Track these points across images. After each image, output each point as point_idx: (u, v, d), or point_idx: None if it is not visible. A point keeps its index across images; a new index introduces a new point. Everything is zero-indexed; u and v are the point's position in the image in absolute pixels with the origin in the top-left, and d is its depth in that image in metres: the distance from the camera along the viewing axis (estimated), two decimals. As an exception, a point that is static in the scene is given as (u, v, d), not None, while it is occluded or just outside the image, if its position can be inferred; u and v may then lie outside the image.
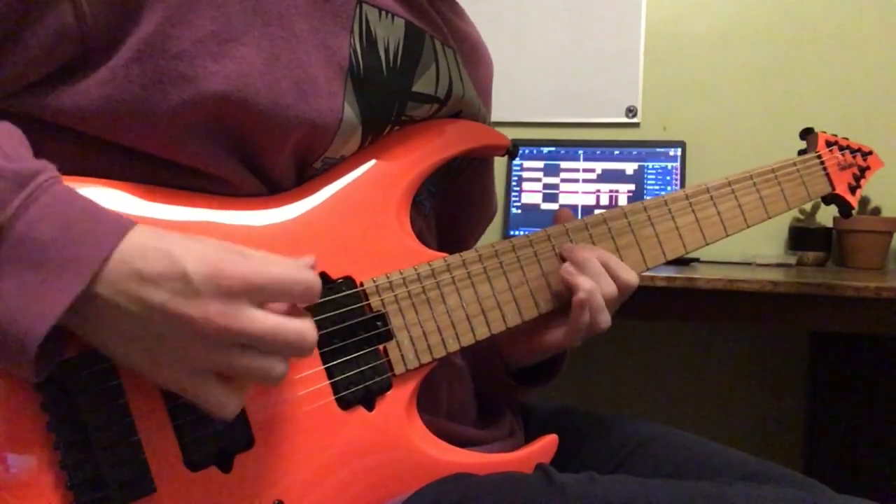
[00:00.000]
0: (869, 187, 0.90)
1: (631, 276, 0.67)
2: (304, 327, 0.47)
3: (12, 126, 0.48)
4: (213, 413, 0.46)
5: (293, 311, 0.48)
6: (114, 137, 0.52)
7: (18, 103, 0.52)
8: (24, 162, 0.45)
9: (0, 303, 0.41)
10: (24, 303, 0.41)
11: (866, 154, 0.89)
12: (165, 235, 0.46)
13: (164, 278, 0.44)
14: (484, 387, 0.75)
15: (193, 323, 0.44)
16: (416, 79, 0.63)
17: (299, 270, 0.47)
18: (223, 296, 0.44)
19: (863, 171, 0.88)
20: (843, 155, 0.86)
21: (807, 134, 0.88)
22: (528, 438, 0.74)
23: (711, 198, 0.74)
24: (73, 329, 0.45)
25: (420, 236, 0.64)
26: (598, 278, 0.65)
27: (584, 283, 0.64)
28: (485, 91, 0.78)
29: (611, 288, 0.66)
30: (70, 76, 0.51)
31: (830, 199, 0.87)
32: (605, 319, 0.66)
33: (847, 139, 0.88)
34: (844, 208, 0.88)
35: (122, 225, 0.45)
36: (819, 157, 0.84)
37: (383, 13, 0.61)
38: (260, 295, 0.46)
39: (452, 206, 0.73)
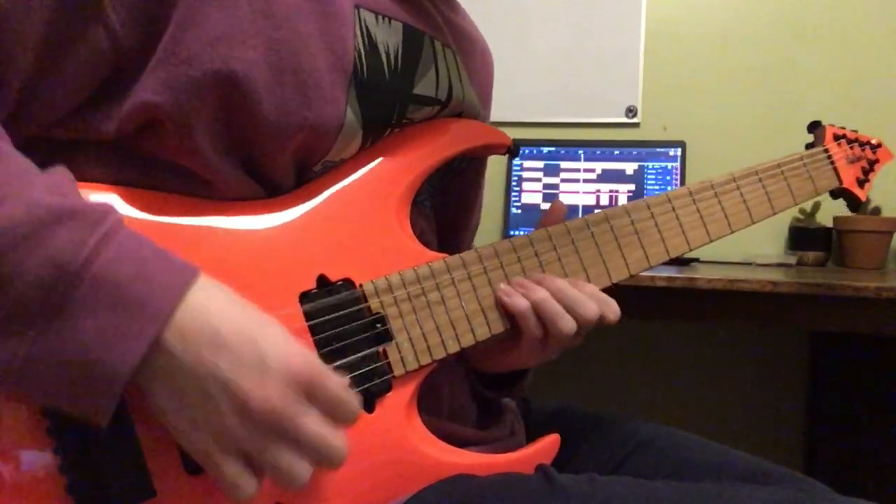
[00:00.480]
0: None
1: (590, 311, 0.62)
2: (342, 443, 0.47)
3: (64, 168, 0.48)
4: (226, 491, 0.45)
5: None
6: (121, 143, 0.53)
7: (64, 128, 0.52)
8: (88, 202, 0.45)
9: (82, 344, 0.41)
10: (107, 341, 0.41)
11: (875, 147, 0.87)
12: (236, 297, 0.47)
13: (239, 348, 0.44)
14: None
15: (251, 400, 0.44)
16: (416, 81, 0.63)
17: (350, 392, 0.48)
18: (289, 383, 0.45)
19: (872, 164, 0.86)
20: (851, 148, 0.84)
21: (814, 127, 0.87)
22: (529, 439, 0.74)
23: (716, 194, 0.73)
24: (139, 379, 0.44)
25: (421, 237, 0.64)
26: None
27: (528, 298, 0.62)
28: (484, 90, 0.78)
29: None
30: (106, 96, 0.52)
31: (838, 193, 0.85)
32: (567, 325, 0.62)
33: (856, 132, 0.86)
34: (853, 202, 0.85)
35: (192, 269, 0.45)
36: (826, 150, 0.83)
37: (380, 17, 0.61)
38: (316, 393, 0.46)
39: (449, 207, 0.73)
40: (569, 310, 0.62)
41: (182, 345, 0.43)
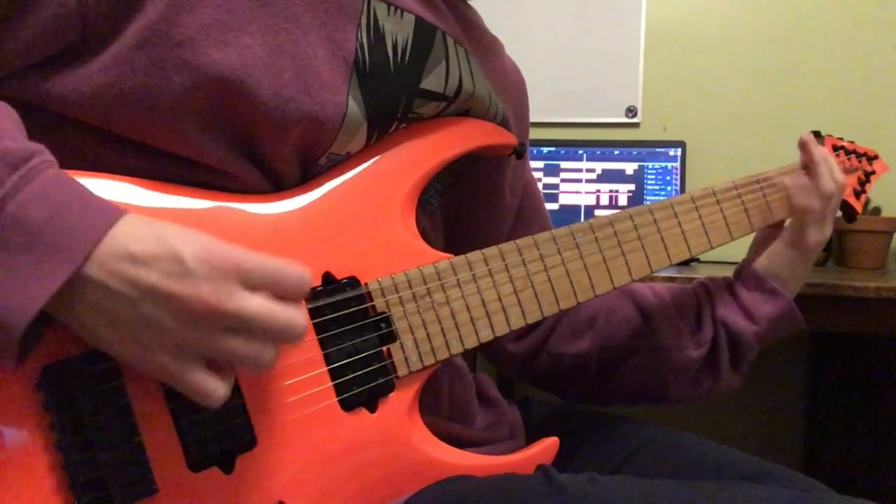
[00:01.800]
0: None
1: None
2: (295, 313, 0.47)
3: (8, 107, 0.48)
4: (200, 401, 0.46)
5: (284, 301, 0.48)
6: (115, 127, 0.52)
7: (18, 88, 0.51)
8: (18, 143, 0.45)
9: None
10: (12, 285, 0.41)
11: (872, 158, 0.88)
12: (157, 221, 0.46)
13: (157, 259, 0.44)
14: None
15: (184, 303, 0.44)
16: (424, 75, 0.62)
17: (292, 263, 0.48)
18: (215, 277, 0.44)
19: (868, 175, 0.88)
20: (849, 159, 0.86)
21: (815, 138, 0.88)
22: (529, 439, 0.74)
23: (717, 201, 0.74)
24: (59, 315, 0.45)
25: (424, 236, 0.64)
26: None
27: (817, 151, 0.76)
28: (508, 87, 0.77)
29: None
30: (71, 62, 0.51)
31: None
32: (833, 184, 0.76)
33: (853, 143, 0.88)
34: (849, 213, 0.87)
35: (114, 210, 0.45)
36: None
37: (392, 8, 0.60)
38: (252, 279, 0.46)
39: (458, 207, 0.73)
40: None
41: (104, 274, 0.43)
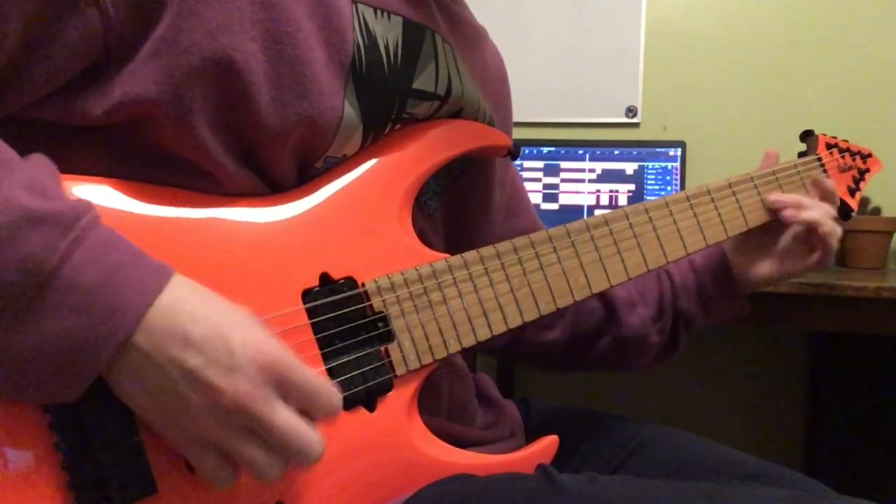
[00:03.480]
0: (869, 187, 0.90)
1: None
2: (315, 440, 0.47)
3: (45, 159, 0.48)
4: (206, 482, 0.47)
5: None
6: (121, 136, 0.53)
7: (42, 109, 0.52)
8: (65, 202, 0.45)
9: (47, 350, 0.42)
10: (71, 347, 0.42)
11: (866, 156, 0.89)
12: (212, 297, 0.47)
13: (207, 343, 0.45)
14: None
15: (220, 396, 0.44)
16: (416, 76, 0.63)
17: (329, 384, 0.49)
18: (258, 379, 0.45)
19: (862, 173, 0.88)
20: (843, 157, 0.86)
21: (807, 136, 0.88)
22: (529, 439, 0.74)
23: (712, 199, 0.74)
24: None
25: (421, 236, 0.64)
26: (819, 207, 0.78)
27: (813, 213, 0.77)
28: (489, 80, 0.77)
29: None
30: (93, 80, 0.51)
31: None
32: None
33: (847, 141, 0.88)
34: (844, 211, 0.88)
35: (165, 271, 0.46)
36: (819, 159, 0.84)
37: (379, 12, 0.61)
38: (289, 390, 0.47)
39: (456, 207, 0.73)
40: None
41: (151, 346, 0.44)
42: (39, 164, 0.47)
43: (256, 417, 0.45)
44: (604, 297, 0.84)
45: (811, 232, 0.78)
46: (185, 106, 0.51)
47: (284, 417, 0.46)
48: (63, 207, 0.44)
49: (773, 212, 0.78)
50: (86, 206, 0.45)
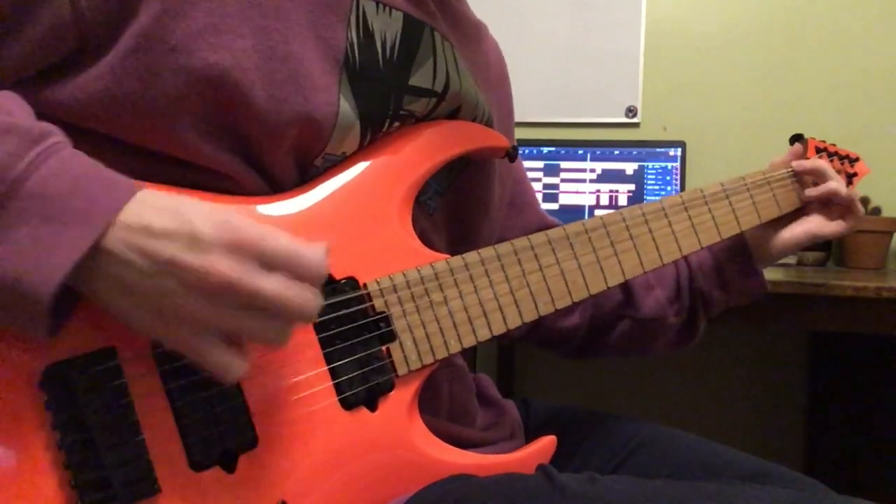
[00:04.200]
0: (869, 187, 0.91)
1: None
2: (308, 295, 0.47)
3: (15, 95, 0.49)
4: (216, 376, 0.47)
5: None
6: (113, 132, 0.53)
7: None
8: (34, 122, 0.46)
9: (13, 256, 0.42)
10: (37, 255, 0.42)
11: (854, 160, 0.91)
12: (176, 195, 0.47)
13: (175, 233, 0.44)
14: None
15: (201, 278, 0.44)
16: (413, 72, 0.63)
17: (310, 245, 0.47)
18: (233, 253, 0.45)
19: (850, 177, 0.91)
20: (831, 161, 0.88)
21: (797, 140, 0.89)
22: (529, 439, 0.74)
23: (706, 202, 0.76)
24: (81, 287, 0.45)
25: (422, 237, 0.64)
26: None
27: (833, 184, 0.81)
28: (489, 77, 0.77)
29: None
30: (68, 71, 0.51)
31: None
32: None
33: (835, 145, 0.90)
34: None
35: (131, 184, 0.46)
36: None
37: (381, 6, 0.61)
38: (269, 259, 0.46)
39: (457, 206, 0.73)
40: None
41: (122, 246, 0.44)
42: (8, 96, 0.48)
43: (245, 291, 0.44)
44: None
45: (833, 197, 0.82)
46: (171, 103, 0.51)
47: (273, 284, 0.45)
48: (34, 125, 0.45)
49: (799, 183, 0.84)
50: (57, 129, 0.46)
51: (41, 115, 0.52)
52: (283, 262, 0.46)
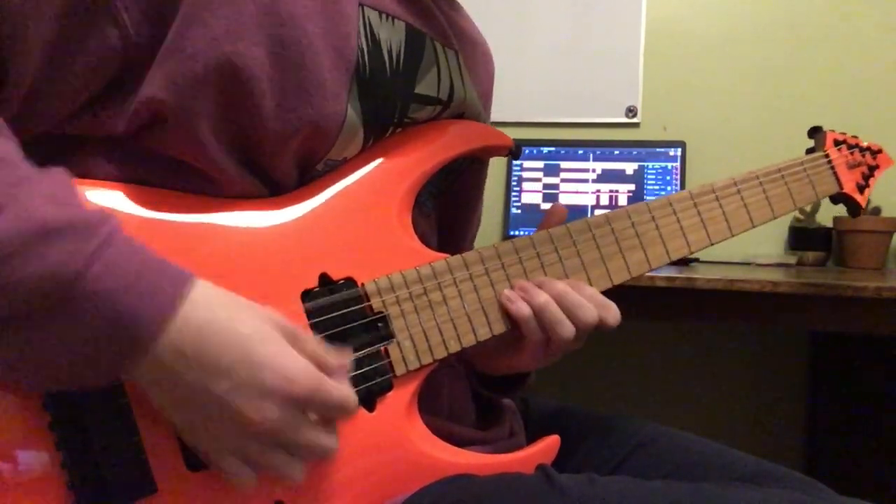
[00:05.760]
0: (868, 187, 0.90)
1: (589, 316, 0.62)
2: (335, 442, 0.50)
3: (62, 171, 0.47)
4: (225, 478, 0.48)
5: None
6: (129, 142, 0.53)
7: (68, 126, 0.53)
8: (86, 210, 0.44)
9: (73, 352, 0.42)
10: (96, 353, 0.43)
11: (875, 152, 0.87)
12: (233, 306, 0.47)
13: (236, 373, 0.45)
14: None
15: (247, 421, 0.45)
16: (418, 80, 0.63)
17: (350, 392, 0.49)
18: (286, 406, 0.46)
19: (872, 169, 0.87)
20: (851, 153, 0.85)
21: (815, 132, 0.87)
22: (529, 439, 0.74)
23: (717, 197, 0.73)
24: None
25: (423, 237, 0.64)
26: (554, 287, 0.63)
27: (530, 303, 0.62)
28: (485, 91, 0.78)
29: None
30: (113, 94, 0.52)
31: (838, 198, 0.85)
32: (567, 331, 0.62)
33: (856, 137, 0.87)
34: (853, 208, 0.86)
35: (185, 279, 0.45)
36: (827, 156, 0.83)
37: (384, 16, 0.61)
38: (314, 408, 0.48)
39: (451, 208, 0.73)
40: (569, 314, 0.62)
41: (179, 365, 0.44)
42: (58, 176, 0.46)
43: (284, 437, 0.47)
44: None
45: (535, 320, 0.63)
46: (189, 110, 0.51)
47: (310, 431, 0.48)
48: (83, 216, 0.44)
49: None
50: (106, 214, 0.45)
51: (89, 138, 0.53)
52: (326, 411, 0.49)
